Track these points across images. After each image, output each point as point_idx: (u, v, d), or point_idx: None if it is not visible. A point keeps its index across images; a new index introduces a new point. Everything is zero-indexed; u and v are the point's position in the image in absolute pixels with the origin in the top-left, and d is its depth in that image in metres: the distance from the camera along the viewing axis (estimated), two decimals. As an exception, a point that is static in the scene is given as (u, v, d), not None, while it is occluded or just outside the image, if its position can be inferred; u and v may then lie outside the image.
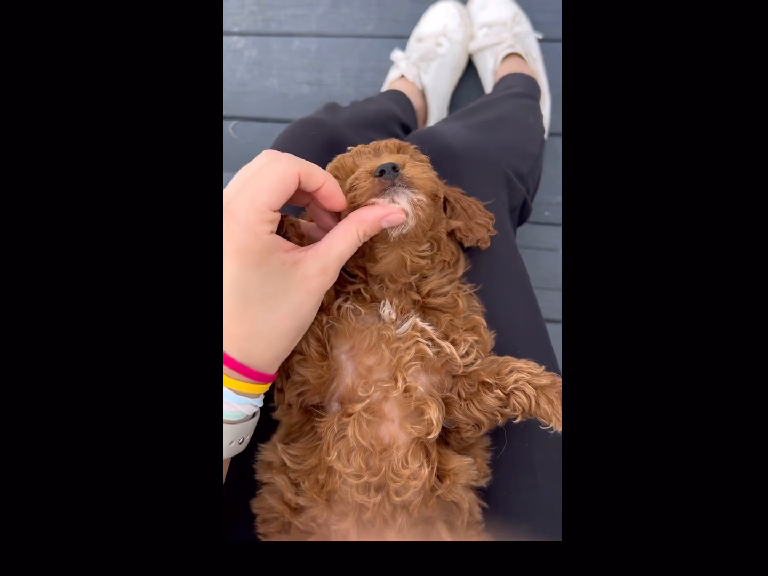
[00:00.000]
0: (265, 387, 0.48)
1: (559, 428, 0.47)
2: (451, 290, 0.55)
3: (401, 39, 1.38)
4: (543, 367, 0.50)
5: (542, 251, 1.30)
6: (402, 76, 1.21)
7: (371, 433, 0.49)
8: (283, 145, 0.70)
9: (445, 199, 0.58)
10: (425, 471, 0.49)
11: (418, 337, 0.50)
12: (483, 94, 1.32)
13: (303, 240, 0.52)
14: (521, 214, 0.79)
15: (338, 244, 0.46)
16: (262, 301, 0.44)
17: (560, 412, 0.47)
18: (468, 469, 0.54)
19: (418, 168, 0.49)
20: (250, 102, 1.48)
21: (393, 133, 0.83)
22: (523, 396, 0.49)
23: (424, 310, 0.54)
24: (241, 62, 1.50)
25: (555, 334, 0.66)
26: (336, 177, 0.50)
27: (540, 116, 0.93)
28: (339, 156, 0.55)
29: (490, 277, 0.62)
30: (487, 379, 0.51)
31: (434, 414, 0.49)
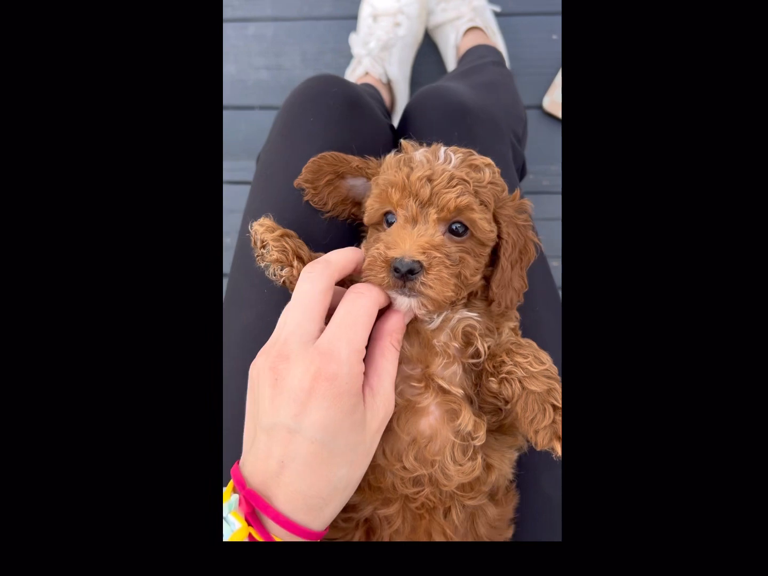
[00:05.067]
0: None
1: (534, 442, 0.45)
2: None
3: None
4: (545, 365, 0.47)
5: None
6: (367, 73, 1.20)
7: (412, 426, 0.49)
8: (303, 102, 0.66)
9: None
10: (473, 464, 0.49)
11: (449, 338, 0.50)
12: (444, 69, 1.33)
13: (303, 262, 0.52)
14: (520, 176, 0.80)
15: (385, 368, 0.46)
16: (343, 453, 0.42)
17: (543, 429, 0.44)
18: (510, 459, 0.54)
19: (440, 281, 0.46)
20: (208, 90, 1.45)
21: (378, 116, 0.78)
22: (509, 388, 0.47)
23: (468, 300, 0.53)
24: (197, 49, 1.46)
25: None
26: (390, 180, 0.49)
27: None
28: (396, 159, 0.52)
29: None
30: (486, 366, 0.50)
31: (468, 419, 0.48)
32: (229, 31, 1.46)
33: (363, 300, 0.45)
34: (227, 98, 1.45)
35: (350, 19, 1.41)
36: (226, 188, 1.36)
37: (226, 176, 1.38)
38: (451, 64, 1.26)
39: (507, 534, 0.57)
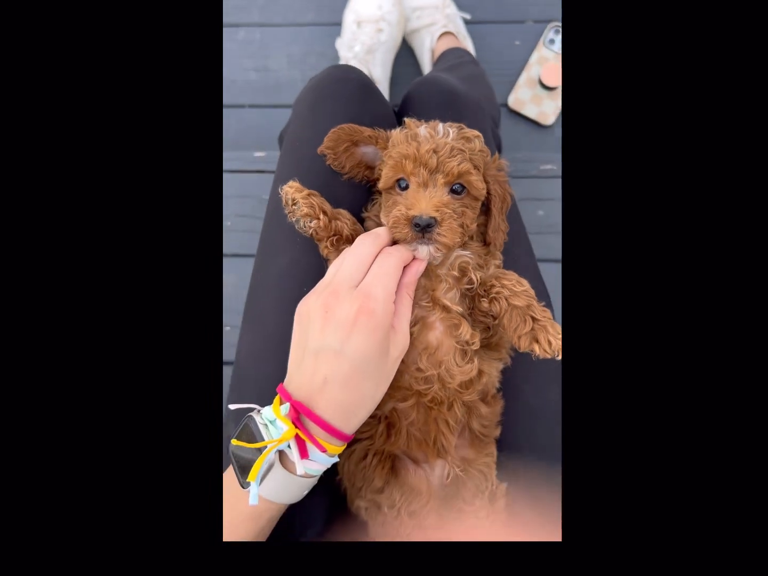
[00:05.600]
0: (345, 445, 0.57)
1: (517, 346, 0.58)
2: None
3: (340, 25, 1.51)
4: (525, 287, 0.61)
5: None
6: None
7: (424, 338, 0.62)
8: (328, 85, 0.78)
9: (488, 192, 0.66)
10: (471, 366, 0.62)
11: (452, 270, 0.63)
12: (419, 70, 1.48)
13: (327, 215, 0.65)
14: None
15: (403, 312, 0.58)
16: (372, 374, 0.54)
17: (525, 335, 0.58)
18: (497, 368, 0.68)
19: (450, 231, 0.58)
20: (201, 89, 1.56)
21: (385, 99, 0.91)
22: (497, 305, 0.60)
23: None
24: (189, 52, 1.57)
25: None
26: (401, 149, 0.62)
27: None
28: (404, 134, 0.64)
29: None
30: (478, 291, 0.63)
31: (466, 330, 0.62)
32: (219, 35, 1.58)
33: (393, 259, 0.58)
34: (218, 97, 1.56)
35: (331, 25, 1.55)
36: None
37: (220, 168, 1.48)
38: (426, 65, 1.41)
39: (495, 433, 0.70)
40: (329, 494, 0.70)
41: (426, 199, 0.59)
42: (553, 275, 0.82)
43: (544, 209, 1.28)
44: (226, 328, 1.29)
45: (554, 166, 1.30)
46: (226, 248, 1.32)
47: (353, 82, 0.76)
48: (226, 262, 1.32)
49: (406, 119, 0.68)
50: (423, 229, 0.58)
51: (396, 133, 0.66)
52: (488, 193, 0.66)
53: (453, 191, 0.62)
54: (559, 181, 1.29)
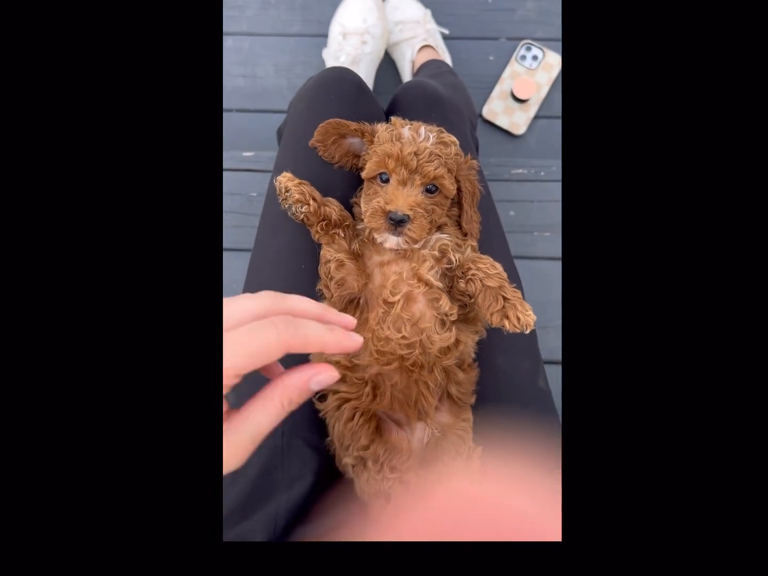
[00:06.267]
0: None
1: (489, 322, 0.65)
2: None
3: (326, 37, 1.59)
4: (498, 270, 0.68)
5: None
6: None
7: (409, 309, 0.70)
8: (326, 84, 0.85)
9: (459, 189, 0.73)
10: (449, 334, 0.70)
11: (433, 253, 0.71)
12: (399, 81, 1.57)
13: (317, 201, 0.72)
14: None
15: (255, 417, 0.40)
16: None
17: (496, 312, 0.65)
18: (473, 338, 0.76)
19: (419, 228, 0.66)
20: (191, 93, 1.63)
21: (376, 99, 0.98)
22: (473, 286, 0.68)
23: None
24: (180, 58, 1.64)
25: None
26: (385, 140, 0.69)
27: None
28: (389, 133, 0.70)
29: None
30: (456, 272, 0.71)
31: (445, 303, 0.70)
32: (209, 42, 1.65)
33: (267, 332, 0.40)
34: (207, 102, 1.63)
35: (317, 36, 1.63)
36: (209, 179, 1.54)
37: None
38: (406, 75, 1.50)
39: (471, 399, 0.78)
40: (320, 455, 0.77)
41: (403, 197, 0.66)
42: (522, 270, 0.91)
43: (515, 210, 1.37)
44: (213, 319, 1.34)
45: (524, 170, 1.40)
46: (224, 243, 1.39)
47: (348, 82, 0.84)
48: (214, 256, 1.38)
49: (392, 117, 0.75)
50: (396, 223, 0.65)
51: (382, 130, 0.73)
52: (460, 190, 0.74)
53: (427, 190, 0.70)
54: (529, 184, 1.39)
